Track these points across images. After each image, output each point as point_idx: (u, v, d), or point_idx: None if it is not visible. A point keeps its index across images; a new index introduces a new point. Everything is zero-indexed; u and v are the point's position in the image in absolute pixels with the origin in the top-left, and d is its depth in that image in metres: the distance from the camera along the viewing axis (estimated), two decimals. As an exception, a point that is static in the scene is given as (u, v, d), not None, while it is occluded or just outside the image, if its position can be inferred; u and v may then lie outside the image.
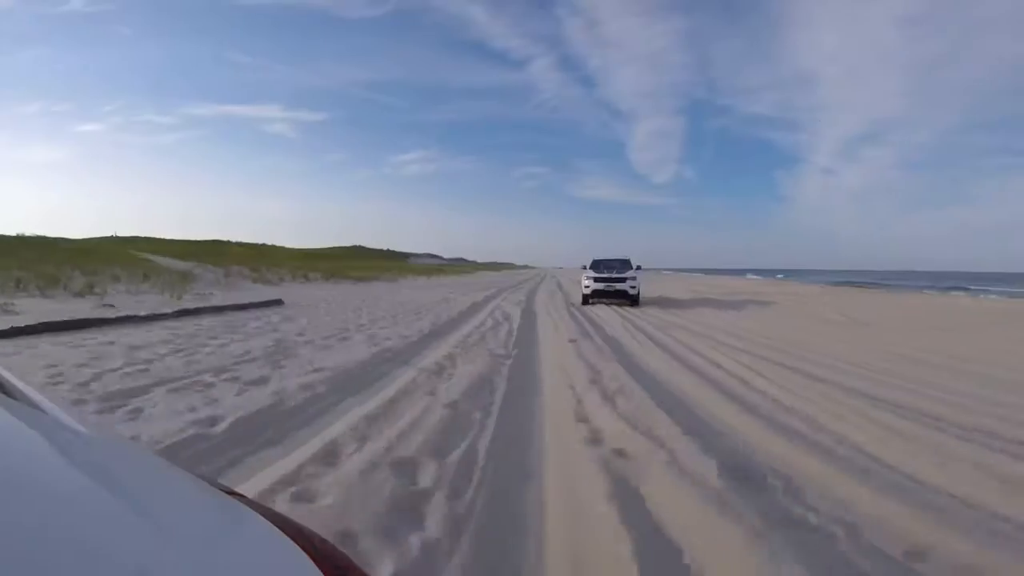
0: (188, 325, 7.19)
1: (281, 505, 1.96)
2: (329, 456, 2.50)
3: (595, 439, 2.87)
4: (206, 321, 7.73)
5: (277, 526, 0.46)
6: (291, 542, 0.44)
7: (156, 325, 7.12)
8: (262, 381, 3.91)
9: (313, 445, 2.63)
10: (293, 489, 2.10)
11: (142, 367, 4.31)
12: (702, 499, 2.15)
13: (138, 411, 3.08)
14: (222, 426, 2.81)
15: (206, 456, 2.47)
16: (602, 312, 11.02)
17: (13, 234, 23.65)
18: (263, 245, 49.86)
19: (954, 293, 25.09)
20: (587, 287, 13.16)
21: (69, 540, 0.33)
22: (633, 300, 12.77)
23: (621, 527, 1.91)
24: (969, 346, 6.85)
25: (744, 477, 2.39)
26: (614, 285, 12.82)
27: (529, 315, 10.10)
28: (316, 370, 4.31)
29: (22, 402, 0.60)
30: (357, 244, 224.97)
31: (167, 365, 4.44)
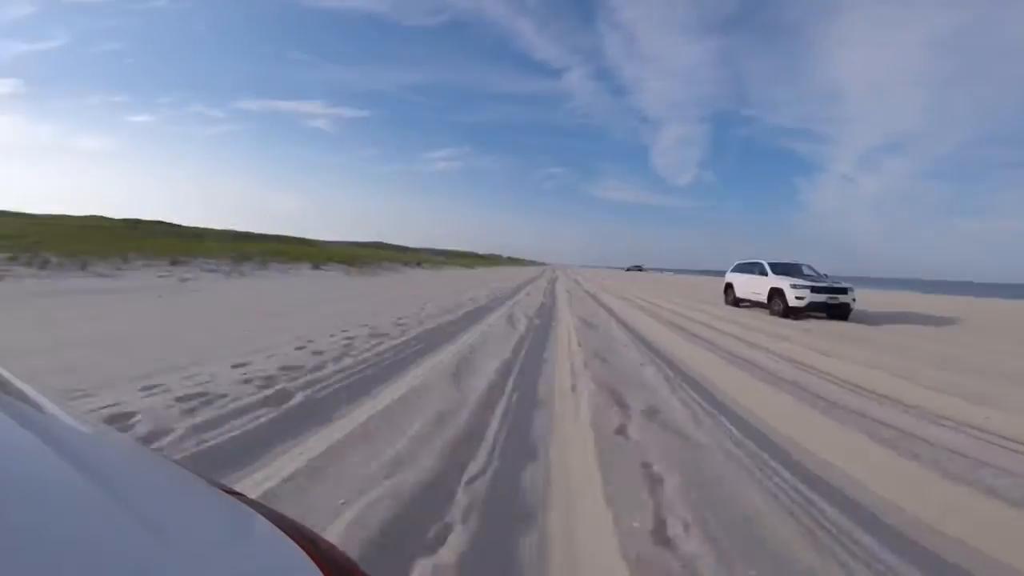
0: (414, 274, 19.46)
1: (534, 294, 14.09)
2: (525, 298, 14.66)
3: (573, 302, 14.92)
4: (416, 276, 19.97)
5: (277, 526, 0.48)
6: (291, 541, 0.45)
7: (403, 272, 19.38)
8: (491, 285, 16.13)
9: (522, 295, 15.04)
10: (524, 296, 14.24)
11: (452, 280, 16.49)
12: (586, 298, 14.19)
13: (496, 290, 15.22)
14: (504, 292, 15.04)
15: (512, 292, 14.81)
16: (586, 285, 22.88)
17: (131, 218, 31.21)
18: (314, 240, 57.64)
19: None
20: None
21: (69, 540, 0.33)
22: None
23: (567, 303, 13.98)
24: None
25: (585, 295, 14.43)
26: None
27: (551, 284, 22.06)
28: (507, 287, 16.57)
29: (22, 402, 0.60)
30: (379, 240, 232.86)
31: (465, 282, 16.60)
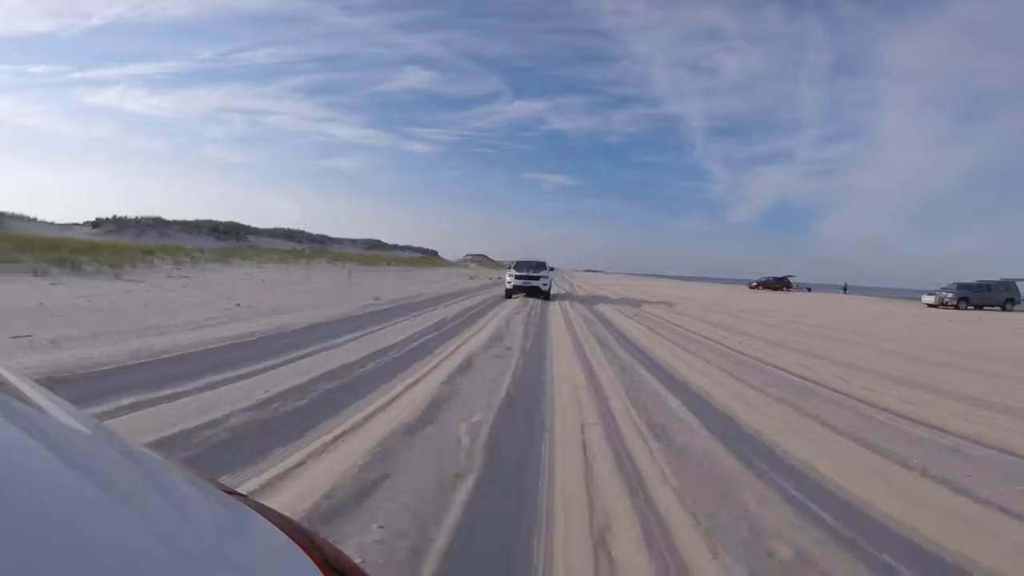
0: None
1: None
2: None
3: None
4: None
5: (277, 526, 0.48)
6: (291, 542, 0.46)
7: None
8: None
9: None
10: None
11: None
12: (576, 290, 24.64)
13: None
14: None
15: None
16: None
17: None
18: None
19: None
20: (509, 283, 16.07)
21: (69, 541, 0.33)
22: (546, 295, 15.85)
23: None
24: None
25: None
26: (530, 282, 15.86)
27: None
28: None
29: (22, 402, 0.60)
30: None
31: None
